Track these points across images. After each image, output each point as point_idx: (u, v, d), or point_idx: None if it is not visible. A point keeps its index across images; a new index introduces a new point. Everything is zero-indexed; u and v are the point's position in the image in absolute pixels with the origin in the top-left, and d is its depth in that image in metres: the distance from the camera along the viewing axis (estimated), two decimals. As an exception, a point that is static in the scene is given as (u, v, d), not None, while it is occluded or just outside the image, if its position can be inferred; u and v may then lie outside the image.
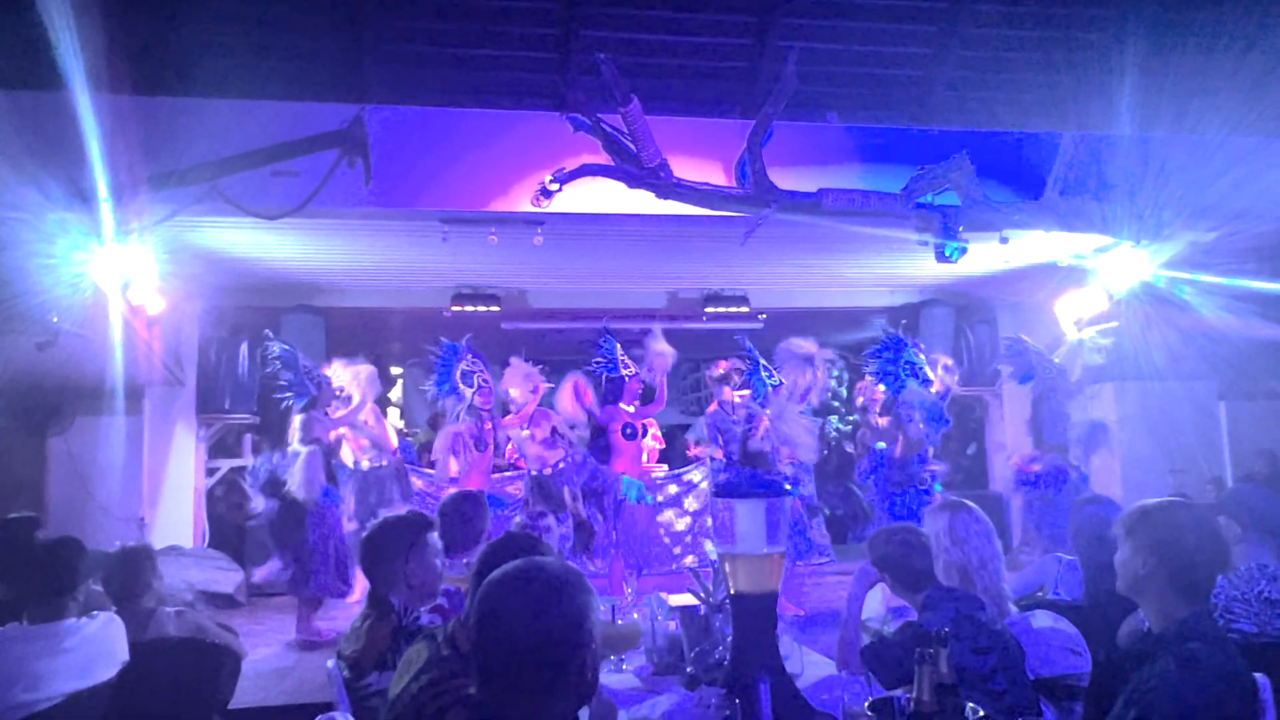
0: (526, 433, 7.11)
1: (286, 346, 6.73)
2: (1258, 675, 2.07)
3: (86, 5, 5.20)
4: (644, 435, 7.37)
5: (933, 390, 6.90)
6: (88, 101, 5.25)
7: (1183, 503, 2.21)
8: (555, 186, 5.93)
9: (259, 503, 6.54)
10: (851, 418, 12.06)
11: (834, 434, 11.94)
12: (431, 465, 7.99)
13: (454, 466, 7.39)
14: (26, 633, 3.04)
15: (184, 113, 5.85)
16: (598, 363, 7.07)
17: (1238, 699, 1.93)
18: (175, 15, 6.91)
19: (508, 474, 7.94)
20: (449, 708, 1.96)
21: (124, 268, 5.99)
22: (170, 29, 6.93)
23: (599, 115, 6.02)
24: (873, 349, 7.09)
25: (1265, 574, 3.00)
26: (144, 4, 6.81)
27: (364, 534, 2.92)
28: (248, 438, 9.31)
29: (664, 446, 9.08)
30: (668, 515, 8.02)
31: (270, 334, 6.90)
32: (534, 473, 7.00)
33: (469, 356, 7.03)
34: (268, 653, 6.02)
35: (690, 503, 8.16)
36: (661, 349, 7.20)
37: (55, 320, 5.93)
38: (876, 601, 3.50)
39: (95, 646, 3.10)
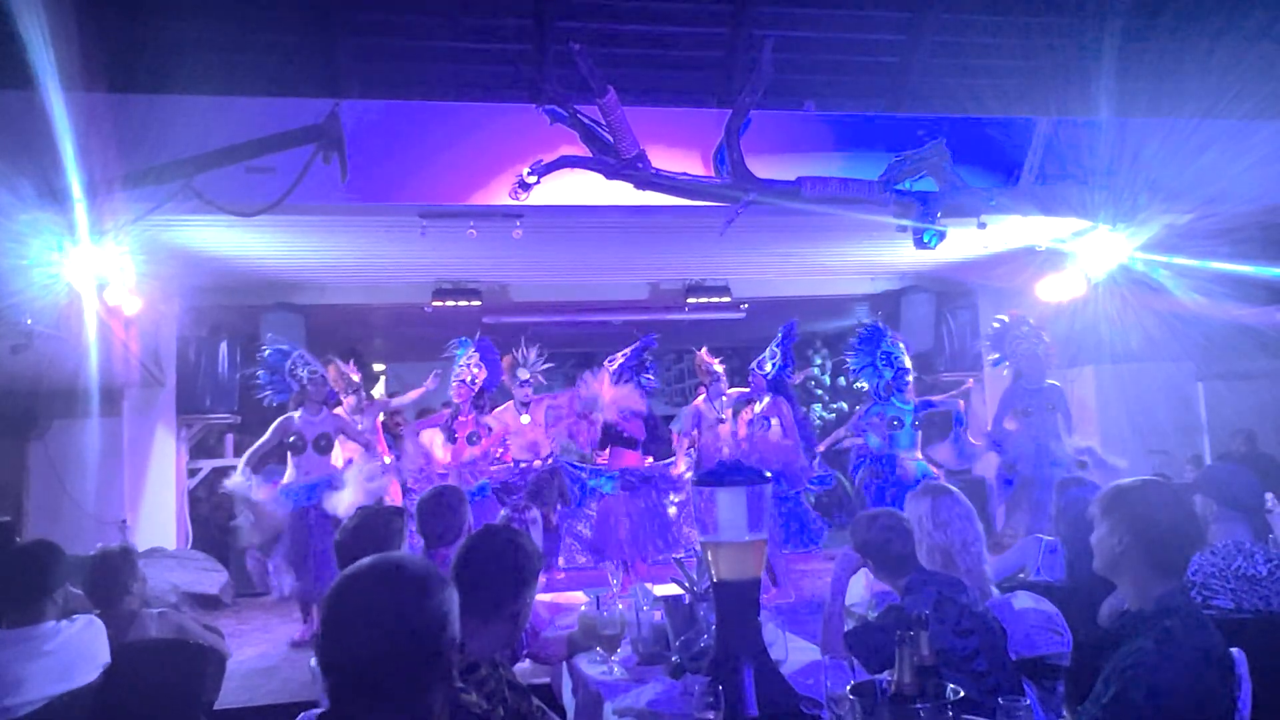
0: (527, 419, 7.11)
1: (283, 347, 6.70)
2: (1234, 650, 2.10)
3: (59, 3, 5.13)
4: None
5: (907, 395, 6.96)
6: (60, 99, 5.19)
7: (1157, 481, 2.24)
8: (533, 179, 5.92)
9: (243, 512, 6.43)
10: (835, 405, 12.12)
11: (818, 422, 11.99)
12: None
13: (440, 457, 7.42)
14: (4, 637, 3.01)
15: (158, 110, 5.79)
16: (636, 366, 7.09)
17: (1215, 674, 1.96)
18: (148, 12, 6.83)
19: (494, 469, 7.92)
20: None
21: (99, 268, 5.92)
22: (143, 26, 6.85)
23: (575, 107, 6.00)
24: (853, 341, 7.13)
25: (1241, 551, 3.04)
26: (116, 1, 6.73)
27: (344, 527, 2.91)
28: (229, 437, 9.26)
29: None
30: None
31: (270, 335, 6.88)
32: (523, 464, 6.99)
33: (471, 350, 7.03)
34: (253, 653, 6.00)
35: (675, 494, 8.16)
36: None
37: (29, 322, 5.86)
38: (860, 587, 3.53)
39: (75, 650, 3.08)
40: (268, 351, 6.67)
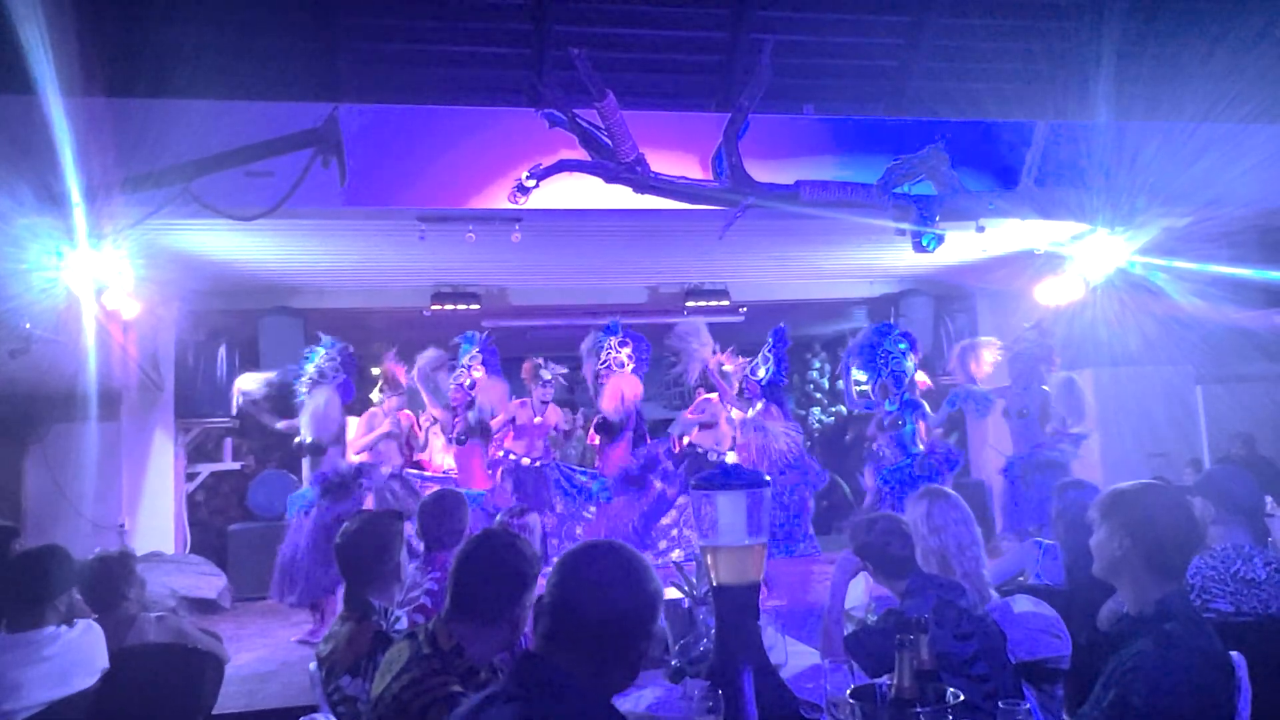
0: (539, 419, 7.14)
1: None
2: (1234, 654, 2.10)
3: (58, 7, 5.13)
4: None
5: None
6: (59, 104, 5.18)
7: (1156, 485, 2.24)
8: (532, 183, 5.92)
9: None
10: (834, 409, 12.11)
11: (816, 425, 11.98)
12: (417, 465, 7.98)
13: (439, 461, 7.44)
14: (5, 642, 3.01)
15: (157, 115, 5.78)
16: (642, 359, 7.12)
17: (1214, 678, 1.95)
18: (147, 17, 6.84)
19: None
20: (431, 705, 1.96)
21: (98, 272, 5.91)
22: (142, 30, 6.85)
23: (575, 111, 6.00)
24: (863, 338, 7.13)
25: (1241, 554, 3.03)
26: (116, 6, 6.74)
27: (345, 530, 2.90)
28: (228, 442, 9.25)
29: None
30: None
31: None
32: (522, 460, 7.00)
33: (475, 350, 7.03)
34: (251, 657, 5.99)
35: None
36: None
37: (28, 327, 5.85)
38: (859, 590, 3.52)
39: (74, 655, 3.08)
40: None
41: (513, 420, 7.21)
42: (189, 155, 5.61)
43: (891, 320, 7.34)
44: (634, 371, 7.22)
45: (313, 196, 5.88)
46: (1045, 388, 7.02)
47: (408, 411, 7.45)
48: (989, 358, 7.15)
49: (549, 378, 7.25)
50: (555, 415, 7.40)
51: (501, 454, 7.14)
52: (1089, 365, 8.37)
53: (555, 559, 1.71)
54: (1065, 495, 3.76)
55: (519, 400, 7.32)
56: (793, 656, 3.07)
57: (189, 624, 3.92)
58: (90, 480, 7.16)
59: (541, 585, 1.86)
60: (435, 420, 8.22)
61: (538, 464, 7.12)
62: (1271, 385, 8.65)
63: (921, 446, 6.85)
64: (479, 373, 7.05)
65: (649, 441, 7.45)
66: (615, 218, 6.60)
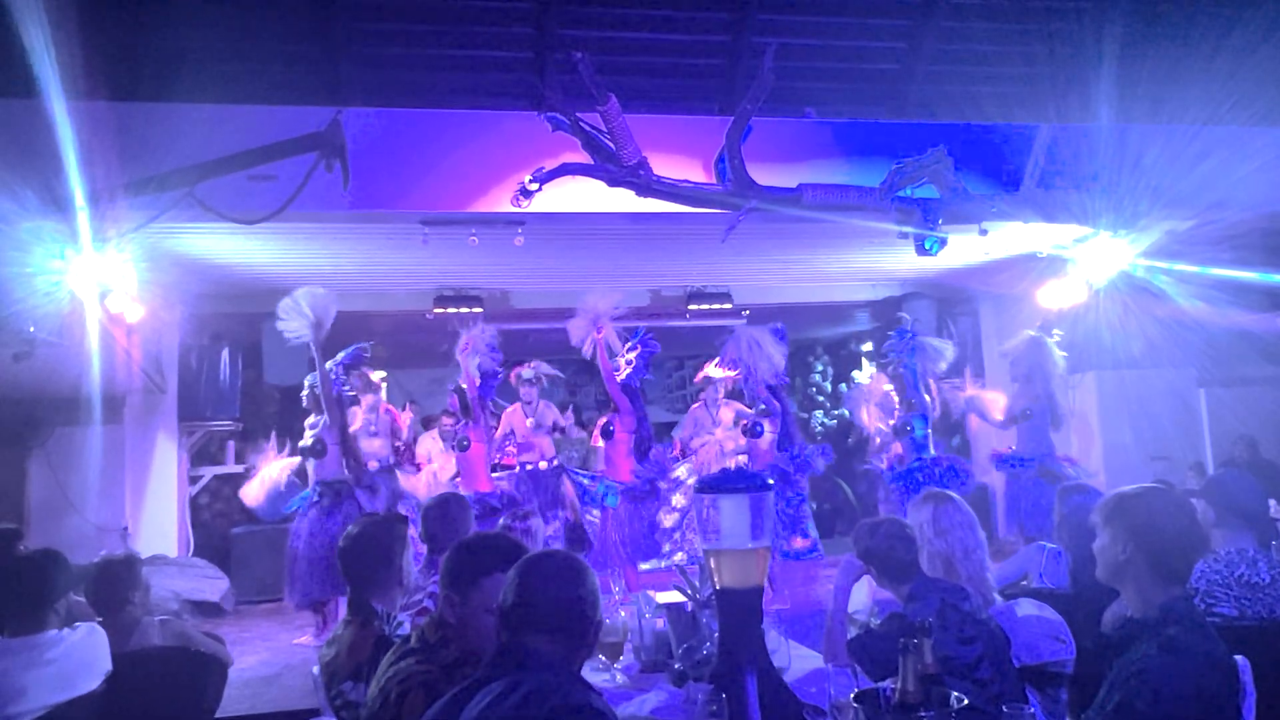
0: (531, 421, 7.11)
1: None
2: (1238, 658, 2.09)
3: (61, 11, 5.15)
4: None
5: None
6: (63, 108, 5.20)
7: (1159, 489, 2.23)
8: (535, 186, 5.93)
9: None
10: (837, 412, 12.11)
11: (819, 428, 11.98)
12: (419, 468, 7.99)
13: (439, 465, 7.43)
14: (7, 646, 3.01)
15: (160, 118, 5.81)
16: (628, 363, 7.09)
17: (1218, 682, 1.95)
18: (150, 21, 6.84)
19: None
20: (409, 691, 2.03)
21: (102, 275, 5.93)
22: (145, 35, 6.86)
23: (577, 114, 6.01)
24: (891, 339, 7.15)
25: (1244, 558, 3.03)
26: (119, 10, 6.74)
27: (348, 534, 2.89)
28: (230, 444, 9.26)
29: None
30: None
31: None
32: (530, 466, 6.99)
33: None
34: (255, 660, 6.00)
35: (678, 499, 8.15)
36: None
37: (32, 330, 5.87)
38: (863, 594, 3.52)
39: (77, 658, 3.08)
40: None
41: (511, 432, 7.19)
42: (192, 159, 5.63)
43: (906, 326, 7.32)
44: (633, 374, 7.13)
45: (316, 200, 5.89)
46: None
47: (388, 405, 7.43)
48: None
49: (528, 376, 7.23)
50: (551, 414, 7.38)
51: (517, 468, 7.12)
52: (1092, 368, 8.37)
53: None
54: (1069, 500, 3.76)
55: (511, 406, 7.30)
56: (796, 660, 3.07)
57: (192, 627, 3.92)
58: (93, 483, 7.17)
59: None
60: (430, 424, 8.25)
61: (555, 464, 7.11)
62: (1275, 388, 8.64)
63: (933, 452, 6.88)
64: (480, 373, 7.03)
65: (654, 446, 7.43)
66: (618, 221, 6.61)
